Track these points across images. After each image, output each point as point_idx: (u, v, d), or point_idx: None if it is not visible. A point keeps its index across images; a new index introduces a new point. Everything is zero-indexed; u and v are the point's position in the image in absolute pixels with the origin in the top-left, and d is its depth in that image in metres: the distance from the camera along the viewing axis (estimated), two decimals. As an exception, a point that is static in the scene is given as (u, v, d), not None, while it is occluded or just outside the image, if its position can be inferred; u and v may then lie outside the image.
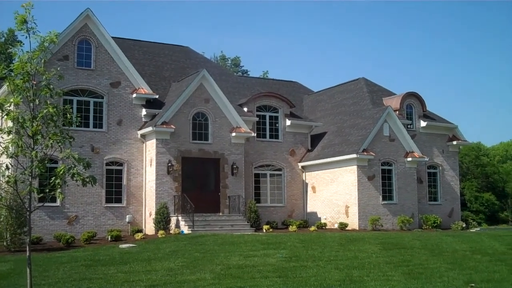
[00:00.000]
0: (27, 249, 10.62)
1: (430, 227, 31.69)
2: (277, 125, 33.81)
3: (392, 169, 31.80)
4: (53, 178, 10.36)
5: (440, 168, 35.66)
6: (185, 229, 26.79)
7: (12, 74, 10.63)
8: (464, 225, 33.28)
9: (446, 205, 35.52)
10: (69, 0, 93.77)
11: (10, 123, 10.62)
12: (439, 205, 35.20)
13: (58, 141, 10.44)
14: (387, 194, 31.45)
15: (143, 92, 29.76)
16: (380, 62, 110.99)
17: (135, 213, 28.91)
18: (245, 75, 64.16)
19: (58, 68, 11.72)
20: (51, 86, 10.73)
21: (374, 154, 30.88)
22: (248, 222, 28.70)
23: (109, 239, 25.60)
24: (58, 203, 26.95)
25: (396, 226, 30.71)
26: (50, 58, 26.79)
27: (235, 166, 30.00)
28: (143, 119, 29.76)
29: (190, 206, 27.13)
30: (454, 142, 36.10)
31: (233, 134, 30.11)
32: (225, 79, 36.03)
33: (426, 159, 33.19)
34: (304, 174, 34.12)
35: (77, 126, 27.44)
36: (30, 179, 10.34)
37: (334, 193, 31.85)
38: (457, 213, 35.88)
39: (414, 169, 32.48)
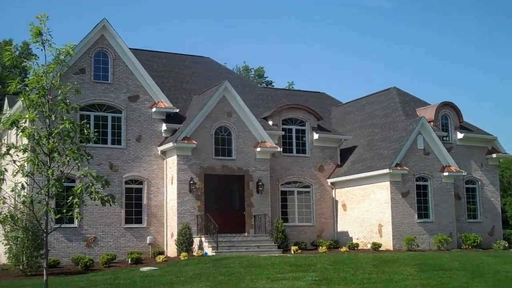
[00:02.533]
0: (44, 273, 10.61)
1: (469, 247, 31.15)
2: (304, 139, 33.67)
3: (428, 184, 31.41)
4: (70, 198, 10.36)
5: (479, 183, 35.10)
6: (208, 250, 26.70)
7: (27, 88, 10.70)
8: (506, 244, 32.66)
9: (486, 223, 34.91)
10: (83, 11, 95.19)
11: (25, 140, 10.67)
12: (479, 223, 34.59)
13: (75, 158, 10.47)
14: (422, 211, 31.04)
15: (163, 106, 29.87)
16: (412, 72, 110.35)
17: (156, 234, 28.92)
18: (269, 86, 64.23)
19: (75, 82, 11.77)
20: (67, 101, 10.79)
21: (408, 169, 30.55)
22: (275, 243, 28.52)
23: (129, 262, 25.61)
24: (76, 224, 27.04)
25: (433, 246, 30.25)
26: (65, 71, 27.02)
27: (260, 183, 29.90)
28: (163, 135, 29.85)
29: (214, 226, 27.03)
30: (494, 155, 35.53)
31: (258, 149, 30.05)
32: (248, 91, 36.07)
33: (464, 173, 32.71)
34: (333, 191, 33.88)
35: (94, 142, 27.53)
36: (46, 199, 10.36)
37: (366, 211, 31.55)
38: (498, 231, 35.24)
39: (451, 185, 32.03)
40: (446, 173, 31.54)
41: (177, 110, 30.42)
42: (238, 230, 28.95)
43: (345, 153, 34.74)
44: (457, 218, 32.70)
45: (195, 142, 28.59)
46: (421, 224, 30.69)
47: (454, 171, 31.72)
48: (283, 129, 32.87)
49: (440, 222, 31.23)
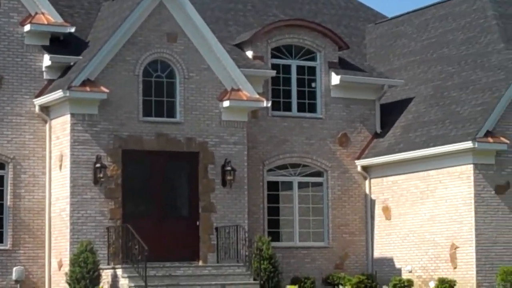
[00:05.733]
0: None
1: None
2: (313, 85, 33.86)
3: (547, 172, 31.64)
4: None
5: None
6: (130, 292, 26.91)
7: None
8: None
9: None
10: None
11: None
12: None
13: None
14: (534, 221, 31.34)
15: (45, 22, 29.79)
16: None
17: (31, 262, 29.03)
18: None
19: None
20: None
21: (508, 142, 30.66)
22: (255, 280, 28.68)
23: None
24: None
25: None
26: None
27: (229, 168, 30.06)
28: (46, 76, 29.88)
29: (140, 247, 27.05)
30: None
31: (226, 103, 30.21)
32: (210, -8, 36.11)
33: None
34: (367, 182, 34.18)
35: None
36: None
37: (427, 221, 31.70)
38: None
39: None
40: None
41: (73, 30, 30.35)
42: (186, 255, 29.20)
43: (391, 112, 35.00)
44: None
45: (106, 90, 28.56)
46: (533, 245, 31.03)
47: None
48: (274, 67, 33.05)
49: None
